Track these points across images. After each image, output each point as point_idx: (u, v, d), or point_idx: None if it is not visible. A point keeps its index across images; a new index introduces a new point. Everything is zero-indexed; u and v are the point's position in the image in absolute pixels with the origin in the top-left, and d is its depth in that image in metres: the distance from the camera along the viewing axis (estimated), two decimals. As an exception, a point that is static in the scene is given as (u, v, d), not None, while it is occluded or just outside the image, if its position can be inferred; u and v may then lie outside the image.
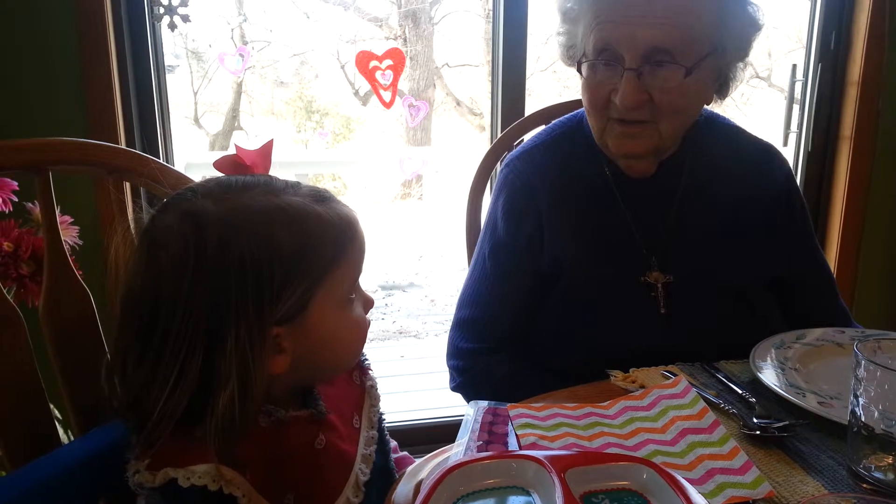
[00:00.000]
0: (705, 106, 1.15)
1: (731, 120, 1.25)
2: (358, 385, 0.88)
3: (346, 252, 0.74)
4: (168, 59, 1.92)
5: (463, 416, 0.86)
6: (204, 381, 0.66)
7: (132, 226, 0.74)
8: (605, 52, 1.04)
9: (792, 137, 2.33)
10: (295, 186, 0.74)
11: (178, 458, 0.66)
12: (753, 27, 1.08)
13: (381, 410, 0.89)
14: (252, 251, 0.66)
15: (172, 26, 1.78)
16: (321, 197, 0.74)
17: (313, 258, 0.70)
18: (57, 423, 1.19)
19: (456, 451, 0.78)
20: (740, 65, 1.11)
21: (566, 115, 1.26)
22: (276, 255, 0.68)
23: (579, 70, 1.09)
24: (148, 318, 0.67)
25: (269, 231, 0.68)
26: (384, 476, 0.85)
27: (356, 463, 0.80)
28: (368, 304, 0.81)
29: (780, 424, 0.79)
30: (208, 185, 0.72)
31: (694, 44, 1.01)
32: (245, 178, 0.74)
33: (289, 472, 0.73)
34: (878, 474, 0.68)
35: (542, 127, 1.37)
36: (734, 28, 1.05)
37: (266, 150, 0.79)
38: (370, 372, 0.90)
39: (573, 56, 1.13)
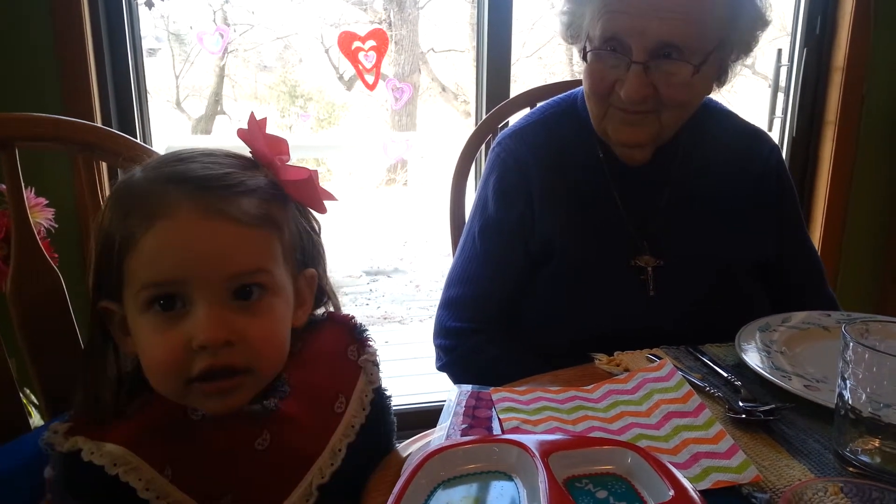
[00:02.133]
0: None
1: (723, 104, 1.24)
2: (354, 360, 0.78)
3: (142, 231, 0.62)
4: (150, 43, 1.88)
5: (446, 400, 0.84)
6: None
7: None
8: (612, 41, 1.02)
9: (776, 123, 2.33)
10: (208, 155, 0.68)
11: (96, 431, 0.63)
12: (761, 23, 1.07)
13: (381, 386, 0.79)
14: (117, 208, 0.66)
15: (150, 4, 1.74)
16: (178, 174, 0.65)
17: (122, 229, 0.63)
18: (34, 409, 1.17)
19: (438, 436, 0.77)
20: (741, 58, 1.10)
21: (559, 96, 1.24)
22: (99, 221, 0.67)
23: (584, 57, 1.07)
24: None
25: (114, 203, 0.66)
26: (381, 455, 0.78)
27: (317, 462, 0.71)
28: (198, 333, 0.62)
29: (766, 408, 0.78)
30: (158, 155, 0.71)
31: (703, 39, 1.00)
32: (182, 152, 0.69)
33: (222, 473, 0.67)
34: (864, 458, 0.67)
35: (528, 109, 1.35)
36: (743, 24, 1.04)
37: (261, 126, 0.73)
38: (370, 345, 0.79)
39: (575, 36, 1.11)
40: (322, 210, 0.72)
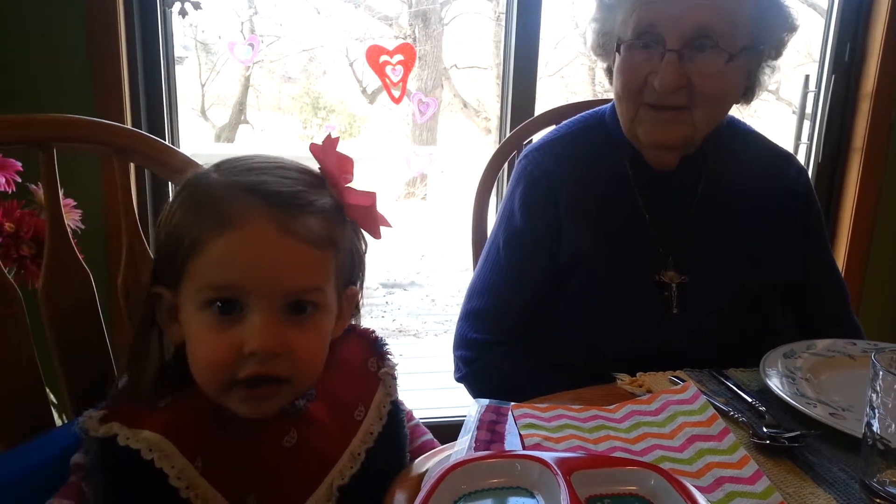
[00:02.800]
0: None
1: (750, 126, 1.24)
2: (373, 371, 0.81)
3: (213, 235, 0.64)
4: (177, 51, 1.91)
5: (462, 415, 0.84)
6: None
7: None
8: (646, 35, 1.03)
9: (802, 149, 2.32)
10: (287, 166, 0.71)
11: (131, 419, 0.65)
12: (788, 26, 1.08)
13: (398, 400, 0.81)
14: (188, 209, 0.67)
15: (183, 13, 1.77)
16: (253, 185, 0.66)
17: (193, 229, 0.65)
18: (52, 409, 1.18)
19: (457, 450, 0.76)
20: (768, 69, 1.11)
21: (587, 112, 1.25)
22: (170, 215, 0.68)
23: (617, 49, 1.08)
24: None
25: (187, 202, 0.68)
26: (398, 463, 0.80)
27: (338, 464, 0.73)
28: (251, 339, 0.64)
29: (791, 435, 0.77)
30: (232, 159, 0.71)
31: (736, 31, 1.02)
32: (252, 158, 0.71)
33: (250, 470, 0.69)
34: (892, 489, 0.66)
35: (553, 127, 1.35)
36: (770, 23, 1.06)
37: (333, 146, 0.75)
38: (389, 358, 0.82)
39: (606, 44, 1.12)
40: (378, 236, 0.74)
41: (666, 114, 1.06)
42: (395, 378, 0.81)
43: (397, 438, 0.81)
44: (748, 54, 1.05)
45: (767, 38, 1.07)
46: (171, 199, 0.70)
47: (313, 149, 0.72)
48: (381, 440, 0.77)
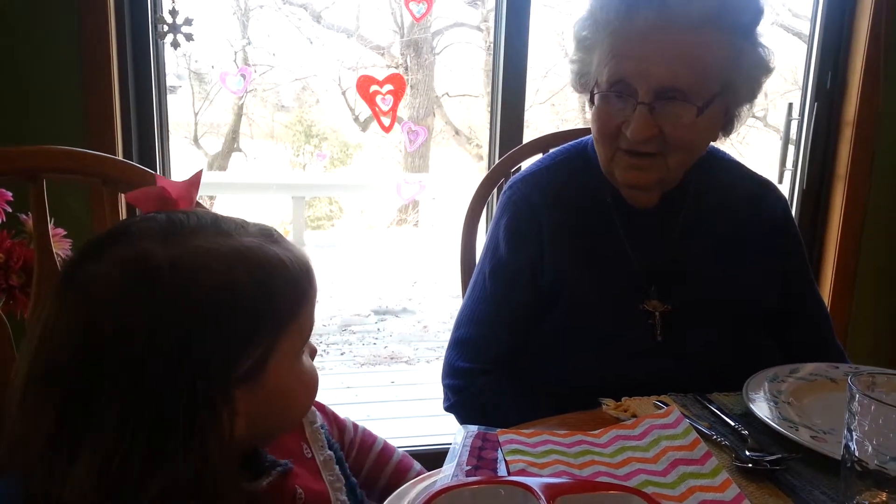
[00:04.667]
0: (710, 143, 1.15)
1: (732, 156, 1.26)
2: None
3: (307, 298, 0.67)
4: (170, 80, 1.92)
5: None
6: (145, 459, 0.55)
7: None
8: (619, 85, 1.04)
9: (787, 175, 2.35)
10: (244, 226, 0.66)
11: None
12: (764, 69, 1.09)
13: (322, 424, 0.84)
14: (213, 302, 0.58)
15: (175, 44, 1.79)
16: (273, 238, 0.67)
17: (276, 307, 0.63)
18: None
19: (443, 476, 0.77)
20: (747, 105, 1.12)
21: (570, 143, 1.27)
22: (239, 306, 0.60)
23: (591, 100, 1.10)
24: (81, 394, 0.55)
25: (230, 277, 0.60)
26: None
27: (331, 496, 0.77)
28: (313, 352, 0.73)
29: (773, 458, 0.78)
30: (147, 224, 0.61)
31: (706, 83, 1.02)
32: (188, 215, 0.64)
33: None
34: (871, 511, 0.67)
35: (540, 155, 1.37)
36: (745, 69, 1.06)
37: (194, 182, 0.70)
38: None
39: (585, 84, 1.14)
40: None
41: (640, 160, 1.07)
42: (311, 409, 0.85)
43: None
44: (723, 97, 1.06)
45: (743, 82, 1.07)
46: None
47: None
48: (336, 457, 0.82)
